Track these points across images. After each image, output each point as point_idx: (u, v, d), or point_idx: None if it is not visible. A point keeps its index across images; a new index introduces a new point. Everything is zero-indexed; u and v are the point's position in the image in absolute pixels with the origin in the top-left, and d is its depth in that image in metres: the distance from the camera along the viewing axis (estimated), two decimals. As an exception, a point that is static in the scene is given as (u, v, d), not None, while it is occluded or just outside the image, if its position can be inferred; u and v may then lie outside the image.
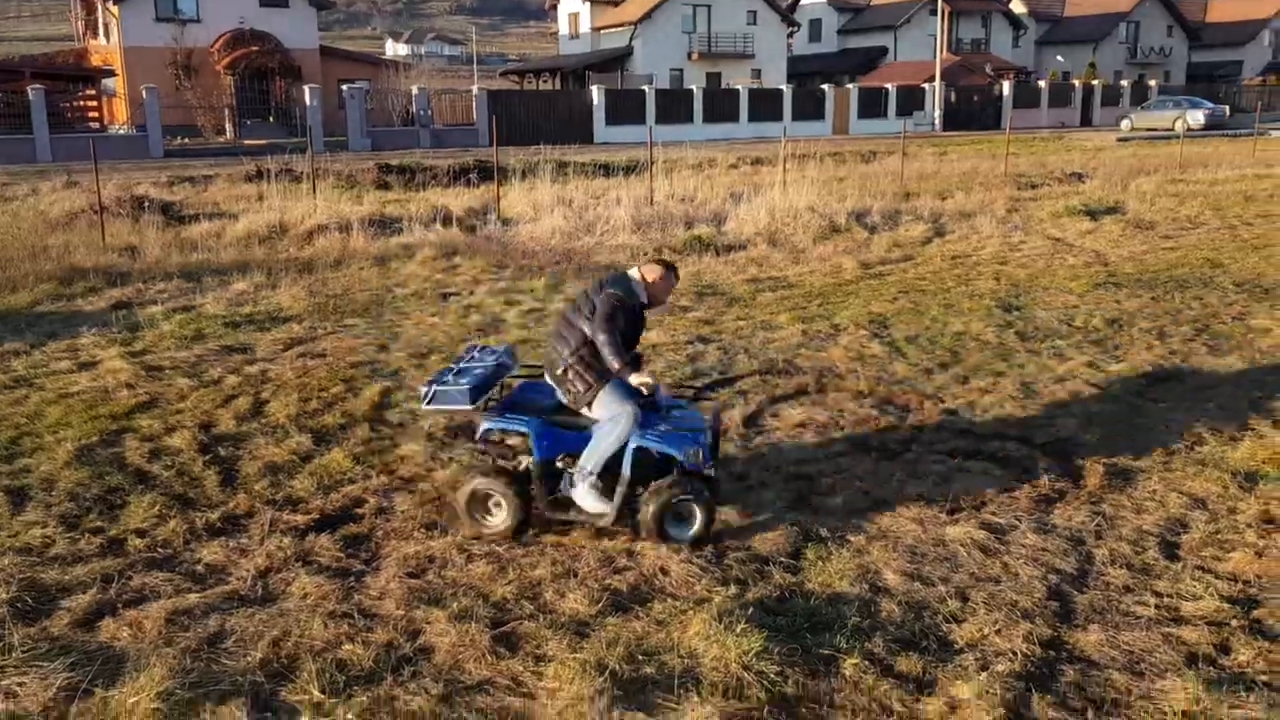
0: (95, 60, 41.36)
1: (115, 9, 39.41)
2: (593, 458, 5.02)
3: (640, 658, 4.00)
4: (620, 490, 5.00)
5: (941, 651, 4.11)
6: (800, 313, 10.03)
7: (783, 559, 4.94)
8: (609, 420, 5.02)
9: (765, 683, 3.82)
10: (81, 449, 6.25)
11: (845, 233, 14.80)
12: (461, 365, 5.39)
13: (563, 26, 60.74)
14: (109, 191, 16.39)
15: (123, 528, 5.19)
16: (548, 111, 40.27)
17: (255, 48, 40.55)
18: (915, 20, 60.65)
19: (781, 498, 5.64)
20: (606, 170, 22.64)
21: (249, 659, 3.99)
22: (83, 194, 17.46)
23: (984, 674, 3.90)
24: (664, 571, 4.76)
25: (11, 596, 4.43)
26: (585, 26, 56.63)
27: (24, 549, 4.94)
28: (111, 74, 38.67)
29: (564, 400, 5.14)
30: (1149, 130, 42.92)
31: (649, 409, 5.14)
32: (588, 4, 56.11)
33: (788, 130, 26.32)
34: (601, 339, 4.99)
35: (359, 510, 5.46)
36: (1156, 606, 4.43)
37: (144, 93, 32.76)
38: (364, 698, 3.72)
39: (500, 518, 5.10)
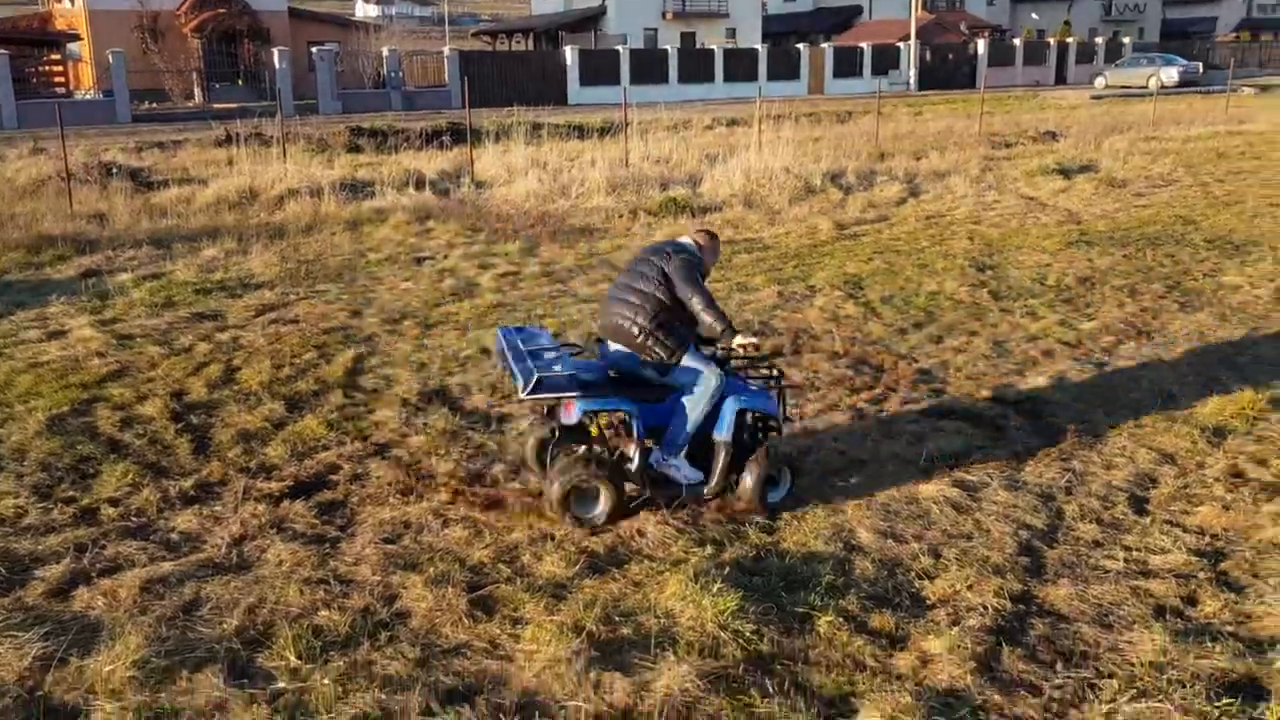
0: (60, 24, 40.52)
1: (78, -29, 38.63)
2: (684, 427, 4.90)
3: (617, 619, 4.03)
4: (724, 457, 4.90)
5: (914, 607, 4.16)
6: (776, 274, 10.04)
7: (758, 519, 4.97)
8: (696, 386, 4.88)
9: (741, 641, 3.86)
10: (52, 418, 6.19)
11: (821, 194, 14.78)
12: (533, 348, 4.94)
13: (535, -14, 60.05)
14: (76, 158, 16.14)
15: (95, 497, 5.16)
16: (521, 73, 39.85)
17: (222, 10, 39.83)
18: (890, -22, 60.33)
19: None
20: (581, 132, 22.48)
21: (224, 626, 3.98)
22: (50, 160, 17.18)
23: (955, 628, 3.95)
24: (640, 533, 4.77)
25: (-16, 567, 4.40)
26: (558, -14, 56.01)
27: (-4, 520, 4.91)
28: (76, 38, 37.95)
29: (642, 370, 4.91)
30: (1123, 88, 42.99)
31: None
32: (560, -37, 55.47)
33: (763, 90, 26.14)
34: (700, 302, 4.80)
35: (333, 477, 5.44)
36: (1125, 560, 4.50)
37: (110, 57, 32.20)
38: (341, 663, 3.73)
39: (601, 507, 4.80)
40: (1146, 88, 39.09)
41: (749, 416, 5.01)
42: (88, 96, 35.43)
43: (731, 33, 53.51)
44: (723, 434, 4.90)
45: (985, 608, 4.11)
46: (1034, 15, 65.84)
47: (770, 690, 3.56)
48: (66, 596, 4.22)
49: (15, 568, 4.44)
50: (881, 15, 59.17)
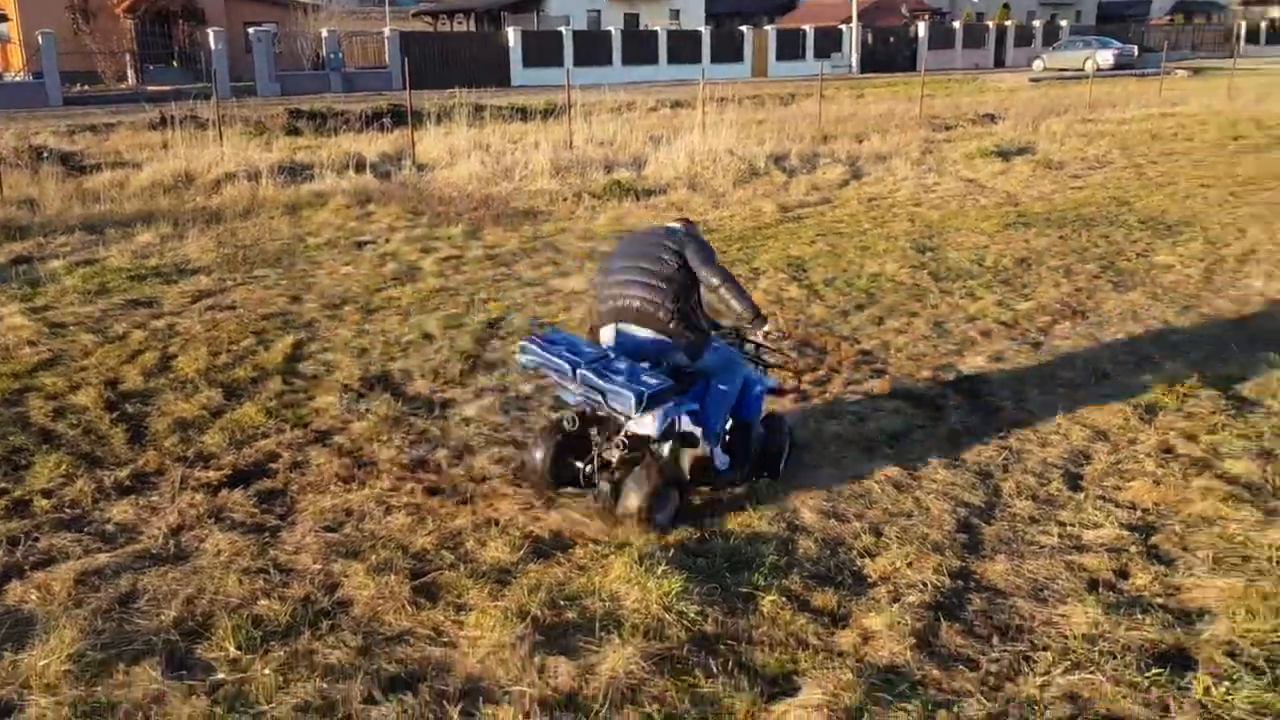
0: (-15, 3, 39.33)
1: (3, -52, 37.46)
2: (723, 413, 4.82)
3: (562, 603, 4.03)
4: (755, 442, 4.92)
5: (856, 585, 4.21)
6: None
7: (701, 499, 5.00)
8: (729, 370, 4.83)
9: (685, 622, 3.88)
10: (-19, 409, 6.04)
11: (764, 176, 14.84)
12: (592, 357, 4.58)
13: (477, -34, 59.34)
14: (5, 141, 15.69)
15: (28, 489, 5.04)
16: (462, 54, 39.42)
17: (156, -11, 38.89)
18: (832, -40, 60.50)
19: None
20: (524, 114, 22.32)
21: (162, 618, 3.92)
22: (-25, 144, 16.67)
23: (896, 605, 4.01)
24: (587, 517, 4.77)
25: (-90, 563, 4.29)
26: (500, -34, 55.39)
27: (-78, 514, 4.78)
28: (4, 19, 36.80)
29: (673, 357, 4.67)
30: (1060, 71, 43.61)
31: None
32: (502, -57, 54.87)
33: (706, 72, 26.13)
34: (731, 288, 4.69)
35: (273, 465, 5.37)
36: (1060, 536, 4.59)
37: (40, 38, 31.27)
38: (281, 652, 3.69)
39: (671, 510, 4.63)
40: (1083, 70, 39.70)
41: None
42: (17, 79, 34.39)
43: (675, 14, 53.37)
44: (754, 417, 4.94)
45: (925, 584, 4.17)
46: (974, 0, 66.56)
47: (714, 670, 3.59)
48: (-2, 591, 4.13)
49: (-57, 563, 4.33)
50: (824, -2, 59.37)
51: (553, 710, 3.40)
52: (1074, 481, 5.17)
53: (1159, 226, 11.32)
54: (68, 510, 4.84)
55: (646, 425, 4.52)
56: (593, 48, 42.87)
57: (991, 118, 22.43)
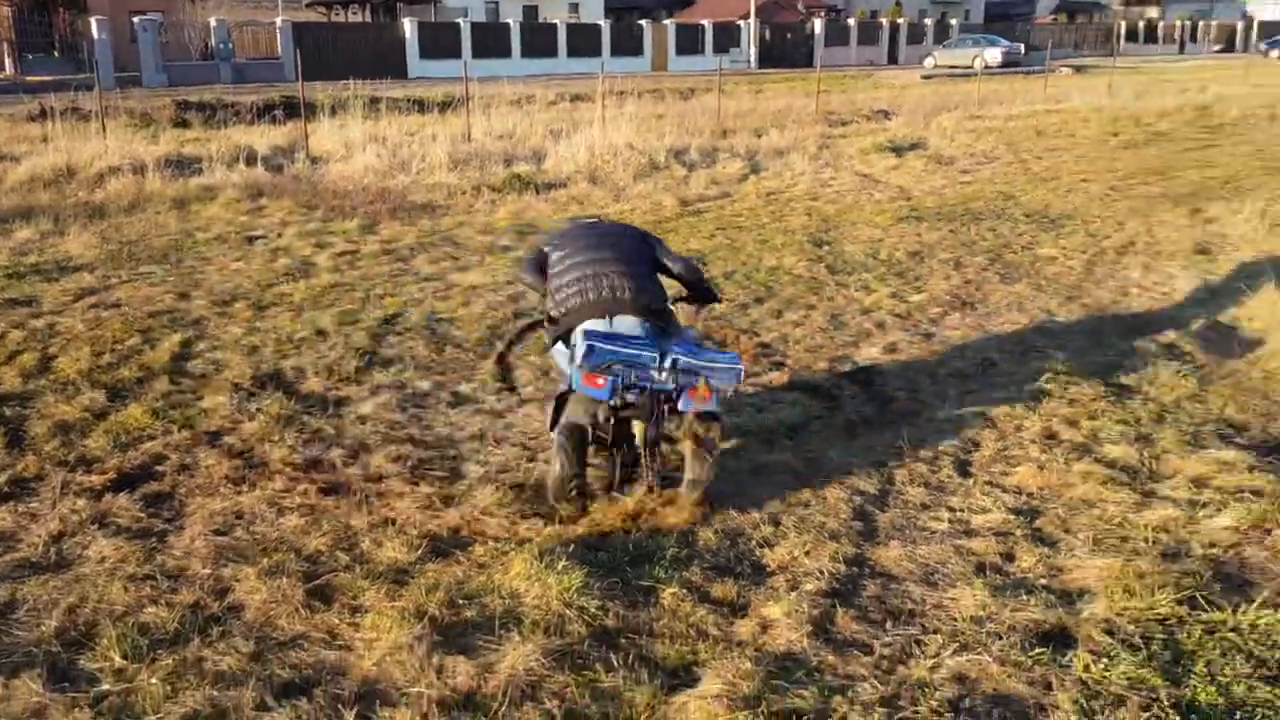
0: None
1: None
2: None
3: (461, 602, 3.99)
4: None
5: (755, 575, 4.26)
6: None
7: (605, 495, 5.01)
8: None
9: (586, 617, 3.88)
10: None
11: (665, 170, 14.91)
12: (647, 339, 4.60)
13: (372, -44, 58.26)
14: None
15: (-107, 498, 4.79)
16: (358, 45, 38.70)
17: (33, -25, 37.29)
18: (730, -44, 61.04)
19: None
20: (421, 106, 22.04)
21: (44, 628, 3.77)
22: None
23: (793, 594, 4.06)
24: (487, 514, 4.74)
25: None
26: (395, -44, 54.51)
27: None
28: None
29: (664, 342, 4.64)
30: (951, 68, 44.81)
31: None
32: (397, -68, 54.02)
33: (607, 66, 26.16)
34: (701, 274, 5.16)
35: (160, 468, 5.20)
36: (950, 521, 4.72)
37: (-96, 22, 29.73)
38: (169, 661, 3.57)
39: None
40: (972, 68, 40.83)
41: None
42: (-119, 66, 32.65)
43: (574, 8, 53.27)
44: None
45: (822, 572, 4.24)
46: (867, -4, 67.86)
47: (615, 664, 3.60)
48: None
49: None
50: (722, -7, 59.87)
51: (451, 710, 3.36)
52: (963, 468, 5.31)
53: (1043, 220, 11.71)
54: (-62, 520, 4.61)
55: (712, 402, 4.53)
56: (491, 40, 42.54)
57: (885, 114, 22.92)
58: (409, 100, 22.63)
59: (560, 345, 4.93)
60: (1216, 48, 67.16)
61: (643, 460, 4.76)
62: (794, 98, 26.91)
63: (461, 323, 7.71)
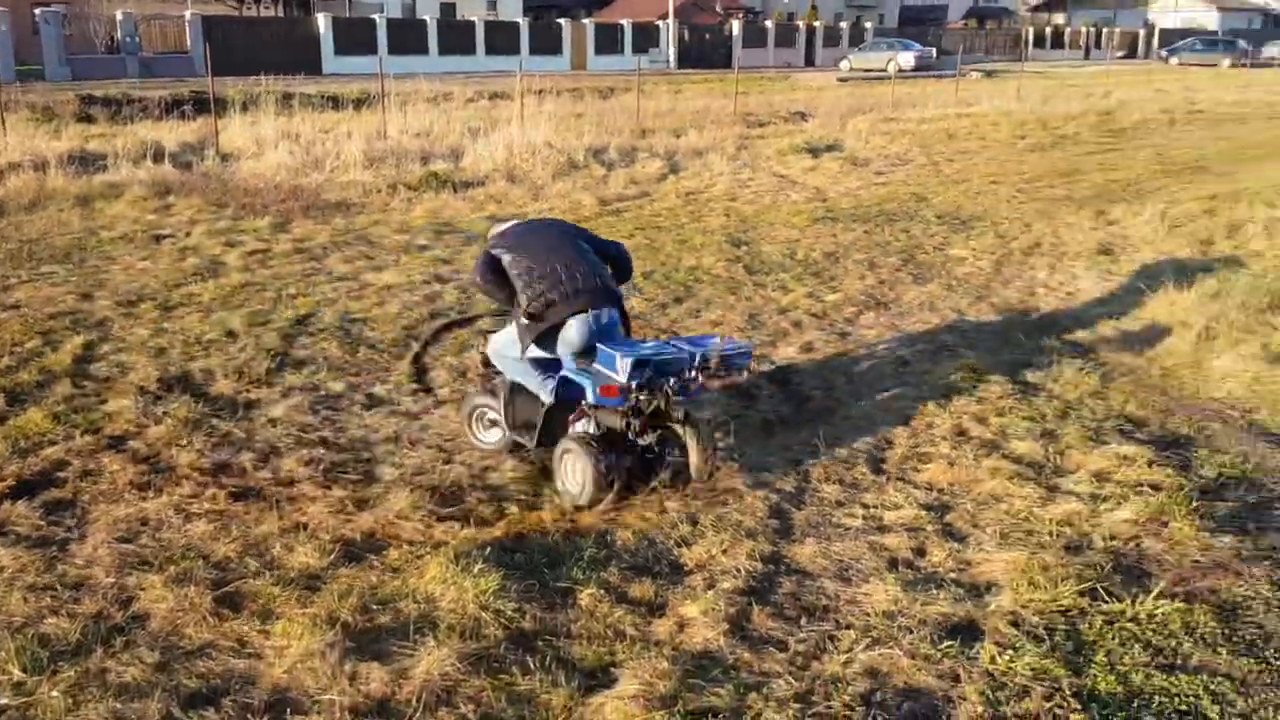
0: None
1: None
2: None
3: (375, 607, 3.94)
4: None
5: (673, 575, 4.28)
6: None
7: (521, 495, 4.99)
8: None
9: (503, 620, 3.85)
10: None
11: (584, 169, 14.89)
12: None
13: (285, -51, 57.09)
14: None
15: None
16: (270, 40, 37.86)
17: (-76, -39, 35.73)
18: (649, -44, 61.15)
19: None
20: (336, 103, 21.68)
21: (-65, 644, 3.62)
22: None
23: (711, 592, 4.09)
24: (402, 517, 4.68)
25: None
26: (309, -50, 53.48)
27: None
28: None
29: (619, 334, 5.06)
30: (866, 71, 45.51)
31: None
32: (311, -75, 53.00)
33: (525, 65, 26.01)
34: (629, 256, 5.52)
35: (61, 474, 5.03)
36: (864, 517, 4.79)
37: None
38: (71, 672, 3.46)
39: None
40: (886, 71, 41.58)
41: None
42: None
43: (492, 5, 52.90)
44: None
45: (739, 570, 4.27)
46: (784, -1, 68.65)
47: (532, 667, 3.58)
48: None
49: None
50: (641, -7, 59.97)
51: (364, 718, 3.32)
52: (877, 465, 5.40)
53: (954, 221, 11.97)
54: None
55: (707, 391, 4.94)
56: (408, 36, 41.97)
57: (802, 115, 23.20)
58: (323, 97, 22.21)
59: (519, 359, 5.05)
60: (1120, 54, 69.33)
61: (659, 451, 5.02)
62: (712, 98, 27.09)
63: (376, 323, 7.61)
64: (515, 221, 5.38)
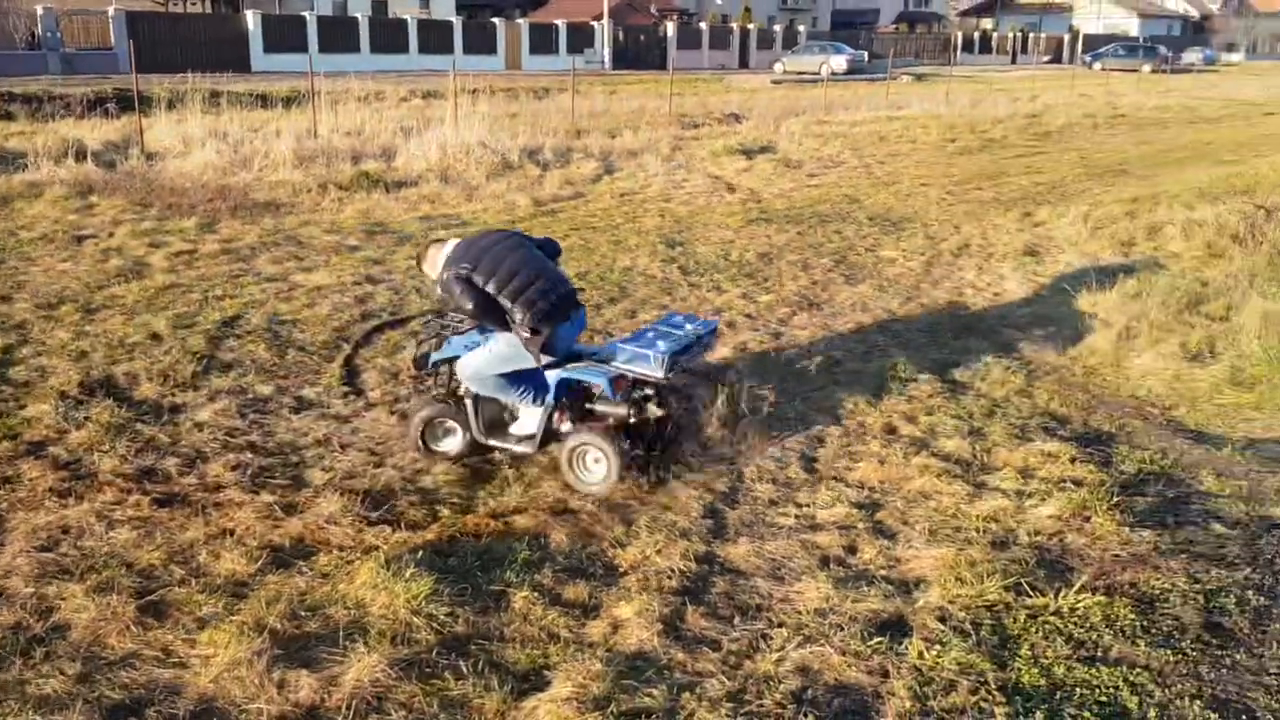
0: None
1: None
2: None
3: (304, 614, 3.88)
4: None
5: (607, 576, 4.29)
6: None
7: (454, 499, 4.95)
8: None
9: (435, 625, 3.83)
10: None
11: (518, 169, 14.81)
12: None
13: (212, -57, 55.98)
14: None
15: None
16: (197, 36, 37.12)
17: None
18: (584, -43, 61.06)
19: (452, 438, 5.62)
20: (265, 101, 21.29)
21: None
22: None
23: (645, 593, 4.10)
24: (332, 522, 4.62)
25: None
26: (238, -55, 52.52)
27: None
28: None
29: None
30: (799, 74, 45.93)
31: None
32: (239, -80, 52.04)
33: (460, 64, 25.79)
34: (560, 252, 5.63)
35: (-23, 482, 4.89)
36: (796, 516, 4.84)
37: None
38: (-14, 688, 3.37)
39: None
40: (819, 74, 42.01)
41: None
42: None
43: (425, 3, 52.41)
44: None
45: (673, 571, 4.29)
46: (718, 1, 69.00)
47: (464, 671, 3.56)
48: None
49: None
50: (576, -7, 59.87)
51: (293, 726, 3.27)
52: (809, 464, 5.46)
53: (885, 223, 12.14)
54: None
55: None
56: (339, 34, 41.43)
57: (736, 117, 23.34)
58: (252, 95, 21.79)
59: (499, 375, 5.13)
60: (1045, 58, 70.88)
61: (663, 433, 5.35)
62: (647, 99, 27.14)
63: (305, 325, 7.50)
64: (458, 240, 5.28)
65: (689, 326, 5.41)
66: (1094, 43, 71.06)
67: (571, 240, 10.61)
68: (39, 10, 33.88)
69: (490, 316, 4.95)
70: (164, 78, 21.73)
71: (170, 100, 17.75)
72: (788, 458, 5.50)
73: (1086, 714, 3.38)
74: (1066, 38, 74.73)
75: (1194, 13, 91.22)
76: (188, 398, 6.03)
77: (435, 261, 5.15)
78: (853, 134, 21.09)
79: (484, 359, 5.12)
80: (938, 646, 3.71)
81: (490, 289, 4.91)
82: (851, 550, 4.52)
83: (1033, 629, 3.84)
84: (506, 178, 14.22)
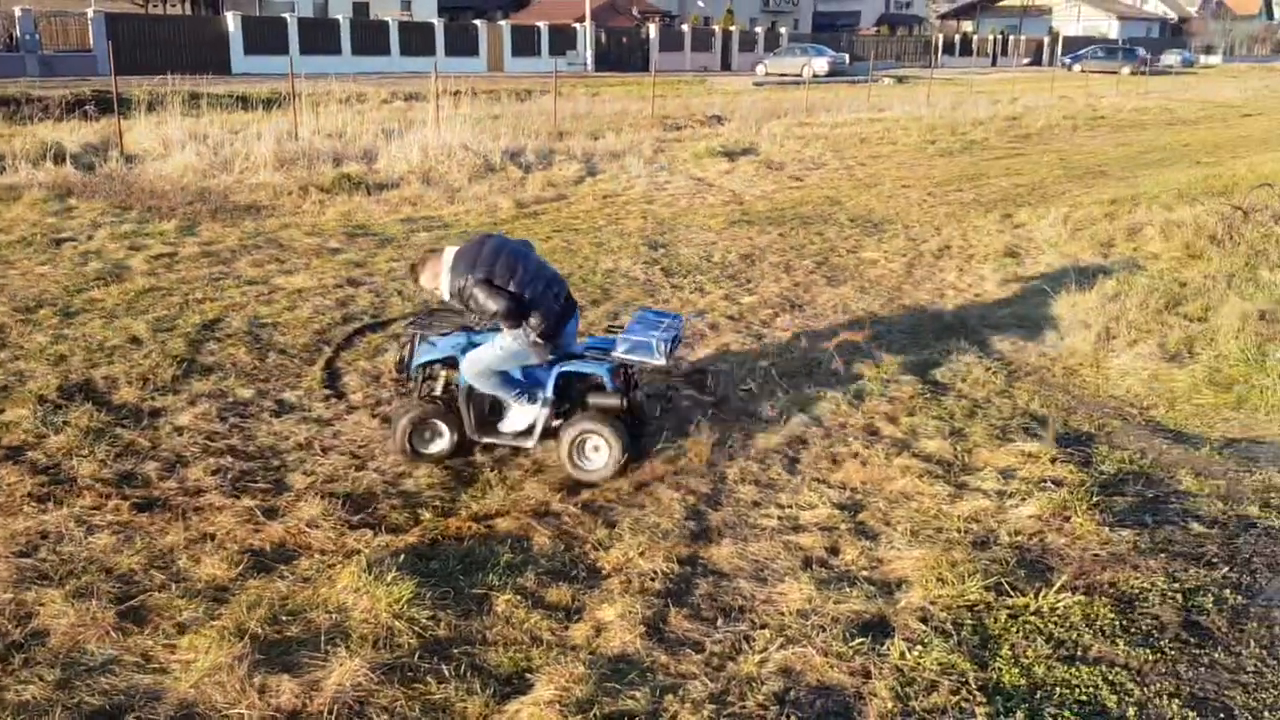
0: None
1: None
2: None
3: (285, 618, 3.87)
4: None
5: (590, 579, 4.29)
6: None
7: (436, 502, 4.94)
8: None
9: (417, 629, 3.82)
10: None
11: (500, 172, 14.79)
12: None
13: (192, -56, 55.68)
14: None
15: None
16: (177, 38, 36.93)
17: None
18: (565, -41, 61.02)
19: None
20: (245, 103, 21.21)
21: None
22: None
23: (627, 595, 4.10)
24: (313, 526, 4.61)
25: None
26: (218, -54, 52.24)
27: None
28: None
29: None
30: (781, 76, 46.02)
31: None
32: (219, -79, 51.79)
33: (441, 66, 25.72)
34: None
35: (-46, 487, 4.85)
36: (779, 518, 4.85)
37: None
38: (-37, 695, 3.34)
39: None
40: (801, 76, 42.09)
41: None
42: None
43: (407, 5, 52.27)
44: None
45: (656, 573, 4.30)
46: (700, 3, 69.09)
47: (446, 675, 3.56)
48: None
49: None
50: (558, -5, 59.84)
51: (275, 731, 3.26)
52: (792, 465, 5.47)
53: (867, 224, 12.18)
54: None
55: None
56: (320, 36, 41.28)
57: (718, 119, 23.36)
58: (232, 97, 21.71)
59: (503, 374, 5.27)
60: (1025, 61, 71.20)
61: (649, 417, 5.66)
62: (630, 101, 27.15)
63: (286, 328, 7.47)
64: (454, 249, 5.25)
65: (666, 320, 5.60)
66: (1073, 45, 71.47)
67: (554, 242, 10.61)
68: (17, 12, 33.63)
69: (514, 318, 5.03)
70: (144, 80, 21.60)
71: (150, 102, 17.65)
72: (771, 459, 5.51)
73: (1066, 713, 3.40)
74: (1046, 40, 75.11)
75: (1172, 15, 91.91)
76: (168, 401, 5.99)
77: (437, 272, 5.16)
78: (834, 136, 21.16)
79: (493, 356, 5.18)
80: (919, 647, 3.72)
81: (517, 294, 5.07)
82: (834, 551, 4.53)
83: (1013, 629, 3.87)
84: (488, 180, 14.20)
